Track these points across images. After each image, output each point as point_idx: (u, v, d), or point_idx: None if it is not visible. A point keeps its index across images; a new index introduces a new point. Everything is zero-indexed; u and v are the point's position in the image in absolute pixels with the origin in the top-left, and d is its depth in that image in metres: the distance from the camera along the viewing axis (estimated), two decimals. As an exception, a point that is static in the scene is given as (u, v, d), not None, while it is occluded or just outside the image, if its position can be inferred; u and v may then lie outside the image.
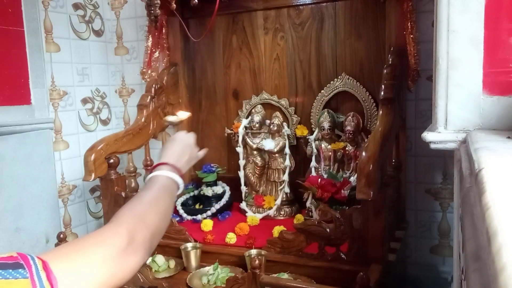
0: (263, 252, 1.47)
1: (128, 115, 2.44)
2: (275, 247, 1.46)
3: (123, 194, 1.71)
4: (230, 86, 2.10)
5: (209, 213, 1.84)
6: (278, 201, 1.83)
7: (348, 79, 1.83)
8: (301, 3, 1.90)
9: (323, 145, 1.78)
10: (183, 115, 1.38)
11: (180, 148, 0.99)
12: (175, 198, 0.87)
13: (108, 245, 0.64)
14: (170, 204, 0.83)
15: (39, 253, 0.60)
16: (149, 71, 2.03)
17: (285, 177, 1.85)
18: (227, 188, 1.96)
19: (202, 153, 1.10)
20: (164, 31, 2.05)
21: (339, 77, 1.85)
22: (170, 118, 1.34)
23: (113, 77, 2.43)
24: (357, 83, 1.82)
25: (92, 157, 1.66)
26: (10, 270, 0.50)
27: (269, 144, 1.85)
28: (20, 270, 0.51)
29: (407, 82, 1.68)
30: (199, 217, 1.83)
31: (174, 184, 0.87)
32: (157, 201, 0.79)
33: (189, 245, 1.58)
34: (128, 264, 0.66)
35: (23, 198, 1.89)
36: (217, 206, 1.86)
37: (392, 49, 1.65)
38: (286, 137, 1.87)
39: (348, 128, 1.72)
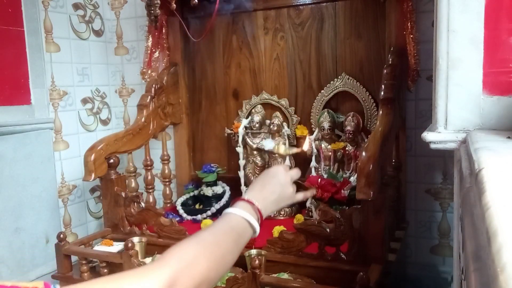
0: (263, 252, 1.47)
1: (128, 115, 2.44)
2: (275, 247, 1.46)
3: (123, 194, 1.71)
4: (230, 86, 2.10)
5: (209, 213, 1.84)
6: (278, 201, 1.83)
7: (348, 79, 1.83)
8: (301, 3, 1.90)
9: (323, 145, 1.78)
10: (305, 146, 1.18)
11: (272, 185, 0.85)
12: (244, 245, 0.74)
13: (144, 285, 0.57)
14: (234, 251, 0.71)
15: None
16: (149, 71, 2.03)
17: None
18: (227, 188, 1.96)
19: (300, 196, 0.93)
20: (164, 31, 2.05)
21: (339, 77, 1.85)
22: (283, 150, 1.12)
23: (113, 77, 2.43)
24: (357, 83, 1.82)
25: (92, 157, 1.66)
26: None
27: (269, 144, 1.85)
28: None
29: (407, 82, 1.68)
30: (199, 217, 1.83)
31: (248, 228, 0.75)
32: (217, 246, 0.68)
33: (189, 245, 1.58)
34: None
35: (23, 198, 1.90)
36: (217, 206, 1.86)
37: (392, 49, 1.65)
38: (286, 137, 1.87)
39: (348, 128, 1.72)
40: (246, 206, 0.78)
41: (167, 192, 2.11)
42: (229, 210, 0.77)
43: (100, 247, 1.60)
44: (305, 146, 1.21)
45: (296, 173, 0.94)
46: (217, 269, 0.67)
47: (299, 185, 1.72)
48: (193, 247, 0.66)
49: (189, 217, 1.85)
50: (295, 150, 1.13)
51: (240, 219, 0.75)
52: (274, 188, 0.86)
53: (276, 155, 1.86)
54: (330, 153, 1.76)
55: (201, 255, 0.65)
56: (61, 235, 1.55)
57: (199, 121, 2.19)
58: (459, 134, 1.01)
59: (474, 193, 0.61)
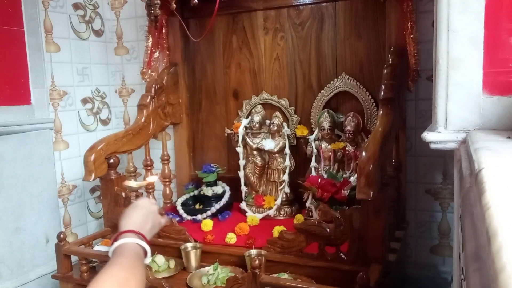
0: (263, 252, 1.47)
1: (128, 115, 2.44)
2: (275, 247, 1.46)
3: (123, 194, 1.71)
4: (230, 86, 2.10)
5: (209, 213, 1.84)
6: (278, 201, 1.83)
7: (348, 79, 1.83)
8: (301, 3, 1.90)
9: (323, 145, 1.78)
10: (150, 179, 1.30)
11: (143, 216, 0.95)
12: (143, 264, 0.85)
13: None
14: (144, 272, 0.82)
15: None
16: (149, 71, 2.03)
17: (285, 177, 1.85)
18: (227, 188, 1.96)
19: (164, 220, 1.06)
20: (164, 31, 2.05)
21: (339, 77, 1.85)
22: (131, 184, 1.22)
23: (113, 77, 2.43)
24: (357, 83, 1.82)
25: (92, 157, 1.66)
26: None
27: (269, 144, 1.85)
28: None
29: (407, 82, 1.68)
30: (199, 217, 1.83)
31: (142, 251, 0.86)
32: (135, 268, 0.78)
33: (189, 245, 1.58)
34: None
35: (23, 198, 1.90)
36: (217, 206, 1.86)
37: (392, 49, 1.65)
38: (286, 137, 1.87)
39: (348, 128, 1.72)
40: (133, 235, 0.87)
41: (167, 192, 2.11)
42: (122, 241, 0.84)
43: (100, 247, 1.60)
44: (151, 178, 1.33)
45: (155, 201, 1.10)
46: (141, 287, 0.77)
47: (299, 185, 1.74)
48: (121, 271, 0.74)
49: (189, 217, 1.85)
50: (135, 183, 1.24)
51: (135, 245, 0.84)
52: (147, 218, 0.95)
53: (277, 155, 1.86)
54: (330, 153, 1.76)
55: (130, 277, 0.74)
56: (61, 235, 1.55)
57: (199, 121, 2.19)
58: (459, 134, 1.01)
59: (474, 193, 0.61)
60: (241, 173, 1.94)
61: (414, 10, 1.59)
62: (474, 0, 0.98)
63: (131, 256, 0.81)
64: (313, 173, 1.78)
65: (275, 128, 1.85)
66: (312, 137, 1.83)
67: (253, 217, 1.78)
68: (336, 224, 1.34)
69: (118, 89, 2.44)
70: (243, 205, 1.90)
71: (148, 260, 0.87)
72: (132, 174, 2.00)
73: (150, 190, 2.00)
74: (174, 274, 1.52)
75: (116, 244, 0.84)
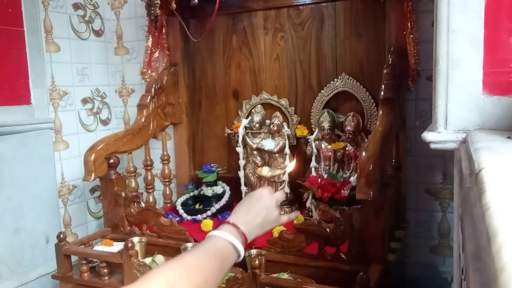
0: (263, 252, 1.47)
1: (128, 115, 2.44)
2: (275, 247, 1.46)
3: (123, 194, 1.71)
4: (230, 86, 2.10)
5: (209, 213, 1.84)
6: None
7: (348, 79, 1.83)
8: (301, 3, 1.90)
9: (323, 145, 1.78)
10: (289, 167, 1.18)
11: (255, 208, 0.84)
12: (228, 269, 0.72)
13: None
14: (217, 275, 0.68)
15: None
16: (149, 71, 2.03)
17: (285, 177, 1.85)
18: (227, 188, 1.96)
19: (285, 219, 0.92)
20: (164, 31, 2.05)
21: (339, 77, 1.85)
22: (263, 172, 1.16)
23: (113, 77, 2.43)
24: (357, 83, 1.82)
25: (92, 157, 1.66)
26: None
27: (269, 144, 1.85)
28: None
29: (407, 82, 1.67)
30: (199, 217, 1.83)
31: (232, 251, 0.73)
32: (201, 269, 0.66)
33: (189, 245, 1.58)
34: None
35: (23, 198, 1.90)
36: (217, 206, 1.86)
37: (392, 49, 1.65)
38: (286, 137, 1.87)
39: (348, 128, 1.72)
40: (231, 229, 0.77)
41: (167, 192, 2.11)
42: (213, 233, 0.75)
43: (100, 247, 1.60)
44: (289, 168, 1.20)
45: (281, 195, 0.94)
46: None
47: (299, 185, 1.74)
48: (176, 269, 0.64)
49: (189, 217, 1.85)
50: (278, 172, 1.15)
51: (225, 242, 0.73)
52: (259, 212, 0.85)
53: (277, 155, 1.86)
54: (330, 153, 1.76)
55: (184, 278, 0.63)
56: (61, 235, 1.55)
57: (199, 121, 2.19)
58: (459, 134, 1.01)
59: (474, 193, 0.61)
60: (241, 173, 1.94)
61: (414, 10, 1.59)
62: (474, 0, 0.98)
63: (207, 254, 0.69)
64: (313, 173, 1.78)
65: (275, 128, 1.85)
66: (312, 137, 1.82)
67: (253, 217, 1.78)
68: (336, 224, 1.34)
69: (118, 89, 2.44)
70: (243, 205, 1.90)
71: (238, 260, 0.76)
72: (132, 174, 2.00)
73: (150, 190, 2.00)
74: (174, 274, 1.52)
75: (209, 234, 0.75)
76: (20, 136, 1.88)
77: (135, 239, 1.59)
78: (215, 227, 0.79)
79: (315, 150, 1.80)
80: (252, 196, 0.87)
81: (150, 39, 2.01)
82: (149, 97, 1.95)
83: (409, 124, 1.81)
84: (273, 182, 1.89)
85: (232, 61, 2.08)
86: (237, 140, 1.94)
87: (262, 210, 0.85)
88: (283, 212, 1.83)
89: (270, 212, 0.87)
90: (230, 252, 0.73)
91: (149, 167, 2.00)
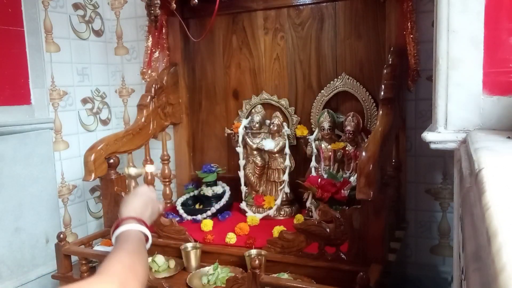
0: (263, 252, 1.47)
1: (128, 115, 2.44)
2: (275, 247, 1.46)
3: (123, 194, 1.71)
4: (230, 86, 2.10)
5: (209, 213, 1.84)
6: (278, 201, 1.83)
7: (348, 79, 1.83)
8: (301, 3, 1.90)
9: (323, 145, 1.78)
10: (148, 168, 1.31)
11: (143, 203, 0.97)
12: (146, 250, 0.88)
13: None
14: (147, 257, 0.85)
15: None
16: (149, 71, 2.03)
17: (285, 177, 1.85)
18: (227, 188, 1.96)
19: (162, 207, 1.09)
20: (164, 31, 2.05)
21: (339, 77, 1.85)
22: (130, 171, 1.26)
23: (113, 77, 2.43)
24: (357, 83, 1.82)
25: (92, 157, 1.66)
26: None
27: (269, 144, 1.85)
28: None
29: (407, 82, 1.68)
30: (199, 217, 1.83)
31: (144, 237, 0.88)
32: (140, 253, 0.80)
33: (189, 245, 1.58)
34: None
35: (23, 198, 1.90)
36: (217, 206, 1.86)
37: (392, 49, 1.65)
38: (286, 137, 1.87)
39: (348, 128, 1.72)
40: (135, 221, 0.89)
41: (167, 192, 2.11)
42: (124, 227, 0.86)
43: (100, 247, 1.60)
44: (149, 168, 1.33)
45: (154, 189, 1.10)
46: (147, 271, 0.81)
47: (299, 185, 1.74)
48: (127, 257, 0.76)
49: (189, 217, 1.85)
50: (135, 170, 1.24)
51: (138, 232, 0.87)
52: (147, 204, 0.98)
53: (277, 155, 1.86)
54: (330, 153, 1.76)
55: (136, 262, 0.76)
56: (61, 235, 1.55)
57: (199, 121, 2.19)
58: (459, 134, 1.01)
59: (474, 193, 0.61)
60: (241, 173, 1.94)
61: (414, 10, 1.59)
62: (474, 0, 0.98)
63: (135, 242, 0.83)
64: (313, 173, 1.78)
65: (275, 128, 1.85)
66: (312, 137, 1.83)
67: (253, 217, 1.78)
68: (336, 224, 1.34)
69: (118, 89, 2.44)
70: (243, 205, 1.90)
71: (148, 245, 0.89)
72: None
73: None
74: (174, 274, 1.52)
75: (119, 230, 0.86)
76: (20, 136, 1.88)
77: (135, 239, 1.59)
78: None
79: (315, 150, 1.80)
80: (136, 194, 1.00)
81: (150, 39, 2.01)
82: (149, 97, 1.95)
83: (409, 124, 1.81)
84: (273, 182, 1.89)
85: (232, 61, 2.08)
86: (237, 140, 1.94)
87: (149, 203, 0.98)
88: (283, 212, 1.84)
89: (154, 204, 1.01)
90: (143, 238, 0.87)
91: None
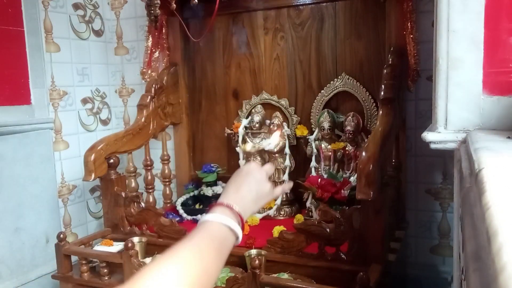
0: (263, 252, 1.47)
1: (128, 115, 2.44)
2: (275, 247, 1.46)
3: (123, 194, 1.71)
4: (230, 86, 2.10)
5: (209, 213, 1.83)
6: (278, 201, 1.83)
7: (348, 79, 1.83)
8: (301, 3, 1.90)
9: (323, 145, 1.78)
10: (275, 135, 1.19)
11: (247, 184, 0.78)
12: (227, 254, 0.68)
13: None
14: (217, 262, 0.64)
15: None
16: (149, 71, 2.03)
17: (285, 177, 1.85)
18: (227, 188, 1.95)
19: (279, 190, 0.86)
20: (164, 31, 2.05)
21: (339, 77, 1.85)
22: (247, 147, 1.19)
23: (113, 77, 2.43)
24: (357, 83, 1.82)
25: (92, 157, 1.66)
26: None
27: (269, 144, 1.85)
28: None
29: (407, 82, 1.67)
30: (199, 217, 1.82)
31: (229, 234, 0.69)
32: (199, 261, 0.60)
33: (189, 245, 1.58)
34: None
35: (23, 198, 1.89)
36: (217, 206, 1.85)
37: (392, 49, 1.65)
38: (286, 137, 1.87)
39: (348, 128, 1.72)
40: (225, 210, 0.71)
41: (167, 192, 2.11)
42: (206, 217, 0.69)
43: (100, 247, 1.60)
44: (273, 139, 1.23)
45: (270, 168, 0.88)
46: (201, 285, 0.59)
47: (299, 185, 1.74)
48: (170, 266, 0.58)
49: (189, 217, 1.85)
50: (263, 146, 1.15)
51: (221, 226, 0.68)
52: (250, 187, 0.79)
53: (277, 155, 1.86)
54: (330, 153, 1.76)
55: (182, 276, 0.57)
56: (61, 235, 1.55)
57: (199, 121, 2.19)
58: (459, 134, 1.01)
59: (474, 193, 0.61)
60: (241, 173, 1.93)
61: (414, 10, 1.59)
62: (474, 0, 0.98)
63: (202, 242, 0.64)
64: (313, 173, 1.78)
65: (275, 128, 1.85)
66: (312, 137, 1.83)
67: (253, 217, 1.78)
68: (336, 224, 1.34)
69: (118, 89, 2.44)
70: (243, 205, 1.90)
71: (237, 243, 0.72)
72: (132, 174, 2.00)
73: (150, 190, 2.00)
74: (174, 274, 1.51)
75: (202, 219, 0.69)
76: (20, 136, 1.88)
77: (135, 239, 1.59)
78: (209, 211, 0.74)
79: (315, 150, 1.80)
80: (239, 173, 0.81)
81: (150, 39, 2.01)
82: (149, 97, 1.95)
83: (409, 124, 1.81)
84: (273, 182, 1.88)
85: (232, 61, 2.08)
86: (237, 140, 1.94)
87: (252, 184, 0.79)
88: (283, 212, 1.84)
89: (261, 186, 0.81)
90: (227, 235, 0.69)
91: (149, 167, 2.00)
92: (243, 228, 0.73)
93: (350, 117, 1.73)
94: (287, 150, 1.85)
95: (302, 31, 1.92)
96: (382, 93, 1.50)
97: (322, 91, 1.88)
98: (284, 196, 1.85)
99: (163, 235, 1.65)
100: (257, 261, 1.20)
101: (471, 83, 1.00)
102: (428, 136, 1.04)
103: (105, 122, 2.40)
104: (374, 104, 1.78)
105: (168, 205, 2.08)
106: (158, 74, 2.04)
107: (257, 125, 1.91)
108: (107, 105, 2.41)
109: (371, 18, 1.79)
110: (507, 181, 0.53)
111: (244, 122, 1.96)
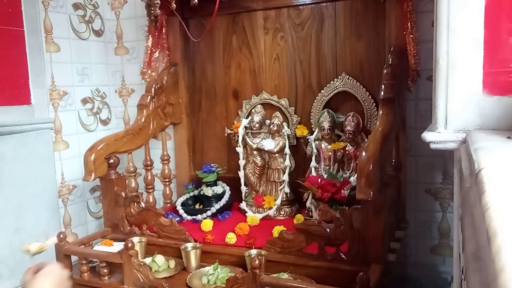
0: (263, 252, 1.47)
1: (128, 115, 2.44)
2: (275, 247, 1.46)
3: (123, 194, 1.71)
4: (230, 86, 2.10)
5: (209, 213, 1.84)
6: (278, 201, 1.83)
7: (348, 79, 1.83)
8: (301, 3, 1.90)
9: (323, 145, 1.78)
10: (51, 241, 1.24)
11: (57, 284, 0.89)
12: None
13: None
14: None
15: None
16: (149, 71, 2.03)
17: (285, 177, 1.85)
18: (227, 188, 1.96)
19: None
20: (164, 31, 2.05)
21: (339, 77, 1.85)
22: (30, 247, 1.15)
23: (113, 77, 2.43)
24: (357, 83, 1.82)
25: (92, 157, 1.66)
26: None
27: (269, 144, 1.85)
28: None
29: (407, 82, 1.67)
30: (199, 217, 1.83)
31: None
32: None
33: (189, 245, 1.58)
34: None
35: (23, 198, 1.89)
36: (217, 206, 1.86)
37: (392, 49, 1.65)
38: (286, 137, 1.87)
39: (348, 128, 1.72)
40: None
41: (167, 192, 2.11)
42: None
43: (100, 247, 1.60)
44: (49, 242, 1.25)
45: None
46: None
47: (299, 185, 1.74)
48: None
49: (189, 217, 1.85)
50: (38, 245, 1.19)
51: None
52: (57, 283, 0.90)
53: (277, 155, 1.86)
54: (330, 153, 1.76)
55: None
56: (61, 235, 1.55)
57: (199, 121, 2.19)
58: (459, 134, 1.01)
59: (474, 193, 0.61)
60: (241, 173, 1.94)
61: (414, 10, 1.59)
62: (474, 0, 0.98)
63: None
64: (313, 173, 1.78)
65: (275, 128, 1.85)
66: (312, 137, 1.83)
67: (253, 217, 1.78)
68: (336, 224, 1.34)
69: (118, 89, 2.44)
70: (243, 205, 1.90)
71: None
72: (132, 174, 2.00)
73: (150, 190, 2.00)
74: (174, 274, 1.52)
75: None
76: (20, 136, 1.88)
77: (135, 239, 1.59)
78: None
79: (315, 150, 1.80)
80: (47, 275, 0.90)
81: (150, 39, 2.01)
82: (149, 97, 1.95)
83: (409, 124, 1.81)
84: (273, 182, 1.89)
85: (232, 61, 2.08)
86: (237, 140, 1.94)
87: (62, 283, 0.91)
88: (282, 212, 1.84)
89: (67, 284, 0.94)
90: None
91: (149, 167, 2.00)
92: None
93: (350, 117, 1.73)
94: (287, 150, 1.85)
95: (302, 31, 1.92)
96: (382, 93, 1.50)
97: (322, 91, 1.88)
98: (284, 196, 1.85)
99: (163, 235, 1.65)
100: (257, 261, 1.20)
101: (471, 83, 1.01)
102: (428, 136, 1.04)
103: (105, 122, 2.40)
104: (374, 104, 1.78)
105: (168, 205, 2.08)
106: (158, 74, 2.04)
107: (257, 125, 1.91)
108: (107, 105, 2.41)
109: (371, 18, 1.79)
110: (507, 181, 0.54)
111: (244, 122, 1.96)
